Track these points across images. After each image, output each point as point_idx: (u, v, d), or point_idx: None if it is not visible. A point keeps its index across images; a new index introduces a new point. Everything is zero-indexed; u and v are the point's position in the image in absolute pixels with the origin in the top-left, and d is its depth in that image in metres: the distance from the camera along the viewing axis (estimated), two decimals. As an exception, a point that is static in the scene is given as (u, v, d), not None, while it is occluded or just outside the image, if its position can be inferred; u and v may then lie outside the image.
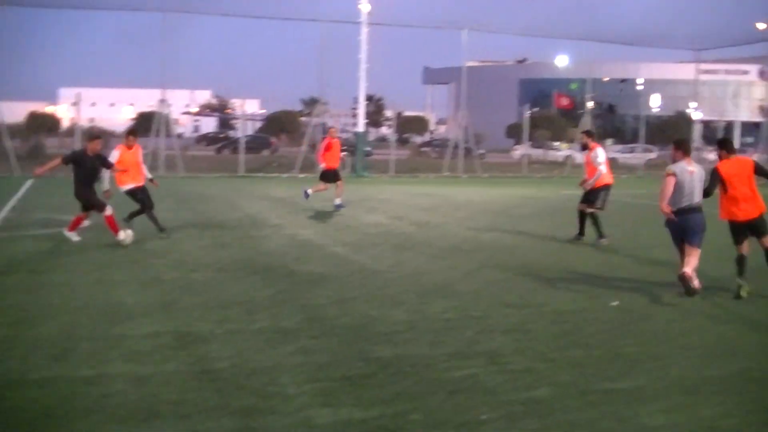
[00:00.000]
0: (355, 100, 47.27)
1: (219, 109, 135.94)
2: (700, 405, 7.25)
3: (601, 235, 17.46)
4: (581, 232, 17.92)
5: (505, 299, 11.50)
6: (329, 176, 23.79)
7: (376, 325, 9.79)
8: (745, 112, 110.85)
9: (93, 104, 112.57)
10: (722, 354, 8.99)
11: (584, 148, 18.49)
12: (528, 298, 11.62)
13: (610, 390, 7.59)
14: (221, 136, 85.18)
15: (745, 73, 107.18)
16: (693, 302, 11.65)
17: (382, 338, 9.19)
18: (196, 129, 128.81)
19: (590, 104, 56.08)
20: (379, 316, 10.30)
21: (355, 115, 46.99)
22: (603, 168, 17.80)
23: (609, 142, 77.00)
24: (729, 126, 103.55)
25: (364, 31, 43.34)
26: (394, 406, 6.97)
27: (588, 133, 18.85)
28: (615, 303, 11.43)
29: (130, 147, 17.32)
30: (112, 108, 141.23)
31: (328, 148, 23.80)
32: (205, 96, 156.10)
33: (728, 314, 11.03)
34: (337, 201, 23.64)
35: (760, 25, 58.40)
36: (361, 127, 45.51)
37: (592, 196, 17.88)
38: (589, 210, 17.82)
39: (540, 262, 14.74)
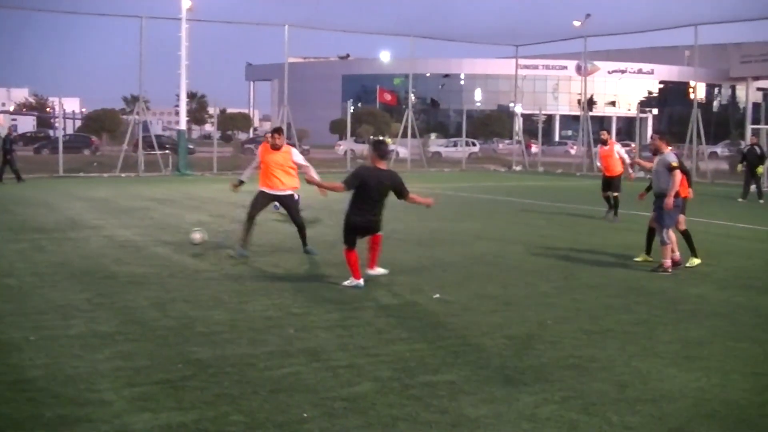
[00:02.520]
0: (177, 98, 46.63)
1: (37, 108, 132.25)
2: (520, 393, 7.37)
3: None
4: (615, 213, 22.10)
5: (327, 296, 11.49)
6: None
7: (197, 326, 9.64)
8: (565, 106, 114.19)
9: None
10: (541, 343, 9.18)
11: (604, 143, 23.11)
12: (350, 294, 11.65)
13: (432, 382, 7.63)
14: (40, 135, 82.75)
15: (564, 68, 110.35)
16: (513, 293, 11.92)
17: (203, 339, 9.05)
18: (15, 128, 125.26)
19: (413, 99, 56.74)
20: (199, 316, 10.14)
21: (177, 113, 46.32)
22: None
23: (432, 136, 78.18)
24: (549, 119, 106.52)
25: (185, 27, 42.76)
26: (215, 407, 6.86)
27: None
28: (437, 296, 11.56)
29: None
30: None
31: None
32: (22, 94, 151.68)
33: (551, 302, 11.32)
34: None
35: (576, 22, 60.20)
36: (182, 124, 44.95)
37: (616, 182, 22.30)
38: (615, 194, 22.09)
39: (362, 257, 14.75)
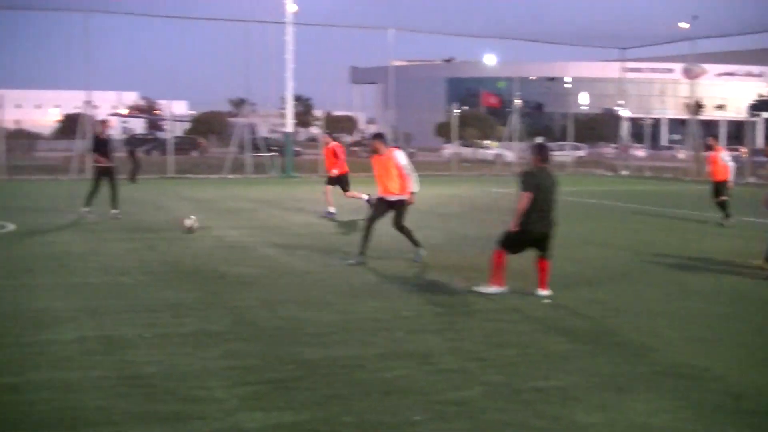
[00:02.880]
0: (283, 101, 47.04)
1: (147, 111, 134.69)
2: (632, 402, 7.26)
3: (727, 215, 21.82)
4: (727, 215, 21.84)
5: (436, 299, 11.48)
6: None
7: (307, 327, 9.70)
8: (672, 110, 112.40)
9: (18, 106, 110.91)
10: (653, 351, 9.04)
11: (709, 149, 23.12)
12: (459, 298, 11.63)
13: (542, 388, 7.57)
14: (149, 137, 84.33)
15: (670, 71, 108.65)
16: (623, 299, 11.77)
17: (313, 340, 9.11)
18: (125, 131, 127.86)
19: (518, 102, 56.42)
20: (309, 317, 10.21)
21: (283, 116, 46.74)
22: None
23: (538, 140, 77.61)
24: (656, 123, 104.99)
25: (290, 31, 43.16)
26: (326, 408, 6.90)
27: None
28: (547, 300, 11.47)
29: None
30: (38, 110, 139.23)
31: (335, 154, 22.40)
32: (132, 97, 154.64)
33: (660, 310, 11.14)
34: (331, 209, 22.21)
35: (683, 25, 59.23)
36: (289, 127, 45.36)
37: (721, 187, 22.13)
38: (723, 198, 22.08)
39: (470, 261, 14.74)
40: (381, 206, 15.12)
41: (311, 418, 6.66)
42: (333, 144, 22.57)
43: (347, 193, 22.01)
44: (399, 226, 15.02)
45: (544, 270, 12.02)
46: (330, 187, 22.19)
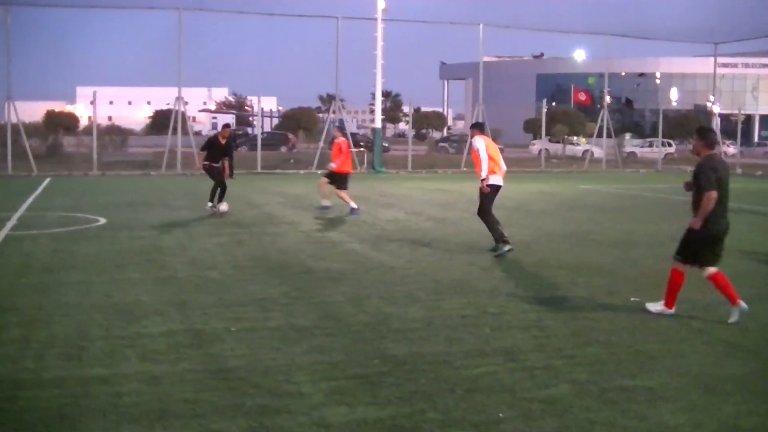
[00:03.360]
0: (372, 97, 47.16)
1: (236, 107, 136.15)
2: (721, 403, 7.13)
3: None
4: None
5: (523, 296, 11.41)
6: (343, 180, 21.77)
7: (392, 323, 9.71)
8: (765, 106, 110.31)
9: (111, 102, 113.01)
10: (743, 351, 8.87)
11: None
12: (545, 295, 11.54)
13: (629, 387, 7.48)
14: (239, 133, 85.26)
15: (765, 66, 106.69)
16: (712, 298, 11.53)
17: (399, 336, 9.11)
18: (214, 126, 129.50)
19: (608, 99, 55.84)
20: (395, 313, 10.22)
21: (372, 112, 46.85)
22: None
23: (627, 136, 76.76)
24: (748, 119, 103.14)
25: (380, 27, 43.22)
26: (411, 404, 6.89)
27: None
28: (635, 298, 11.31)
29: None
30: (129, 106, 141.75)
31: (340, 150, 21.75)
32: (222, 94, 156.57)
33: (752, 308, 10.91)
34: (326, 202, 21.96)
35: (779, 18, 58.09)
36: (377, 123, 45.46)
37: None
38: None
39: (557, 258, 14.61)
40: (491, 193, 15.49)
41: (395, 414, 6.66)
42: (340, 140, 22.04)
43: (338, 192, 21.65)
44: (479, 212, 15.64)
45: (723, 280, 10.58)
46: (325, 180, 22.03)
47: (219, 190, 21.09)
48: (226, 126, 23.33)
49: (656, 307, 10.56)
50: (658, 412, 6.86)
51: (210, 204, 21.15)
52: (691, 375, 7.93)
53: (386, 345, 8.72)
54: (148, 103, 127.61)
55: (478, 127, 16.15)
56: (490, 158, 15.20)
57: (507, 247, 14.92)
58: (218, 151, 21.39)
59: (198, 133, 70.36)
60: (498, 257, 14.62)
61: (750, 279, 13.28)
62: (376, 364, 8.03)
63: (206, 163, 21.35)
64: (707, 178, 10.28)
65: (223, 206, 20.76)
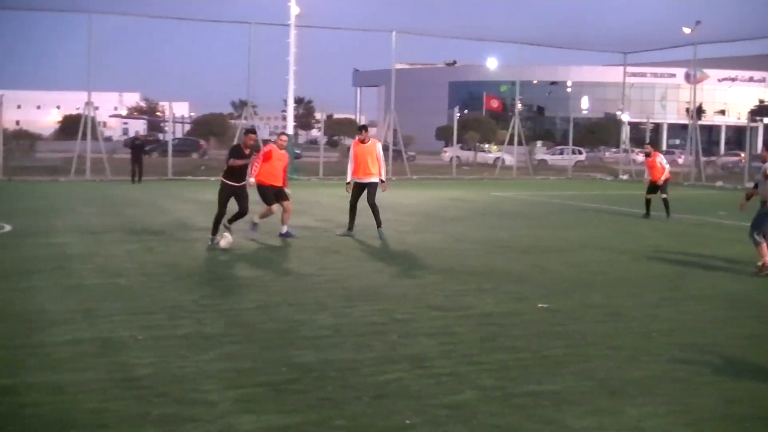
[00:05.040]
0: (285, 103, 47.00)
1: (148, 112, 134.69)
2: (624, 406, 7.26)
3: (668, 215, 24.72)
4: (668, 214, 24.79)
5: (431, 302, 11.46)
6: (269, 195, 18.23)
7: (301, 330, 9.70)
8: (673, 115, 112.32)
9: (18, 107, 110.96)
10: (647, 355, 9.04)
11: (647, 155, 26.33)
12: (454, 301, 11.60)
13: (535, 392, 7.56)
14: (150, 139, 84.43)
15: (672, 76, 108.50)
16: (619, 303, 11.76)
17: (307, 343, 9.10)
18: (125, 132, 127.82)
19: (519, 106, 56.44)
20: (304, 320, 10.20)
21: (284, 118, 46.69)
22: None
23: (539, 144, 77.63)
24: (657, 128, 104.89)
25: (293, 33, 43.13)
26: (318, 411, 6.89)
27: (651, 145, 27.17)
28: (543, 305, 11.45)
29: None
30: (38, 110, 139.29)
31: (267, 157, 18.05)
32: (133, 99, 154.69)
33: (655, 314, 11.14)
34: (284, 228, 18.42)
35: (686, 29, 59.19)
36: (290, 129, 45.31)
37: (663, 187, 25.30)
38: (664, 196, 25.09)
39: (467, 264, 14.73)
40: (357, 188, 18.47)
41: (303, 422, 6.65)
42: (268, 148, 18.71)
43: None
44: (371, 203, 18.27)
45: None
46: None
47: (235, 214, 16.89)
48: (251, 132, 17.57)
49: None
50: (563, 416, 6.95)
51: (213, 237, 16.74)
52: (596, 379, 8.06)
53: (294, 352, 8.70)
54: (58, 107, 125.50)
55: (357, 131, 19.18)
56: (354, 162, 18.44)
57: (345, 232, 18.49)
58: (240, 166, 16.82)
59: (108, 139, 69.45)
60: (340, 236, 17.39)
61: (655, 283, 13.57)
62: (284, 371, 8.01)
63: (226, 181, 16.85)
64: None
65: (225, 240, 16.21)
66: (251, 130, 17.78)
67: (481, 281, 13.17)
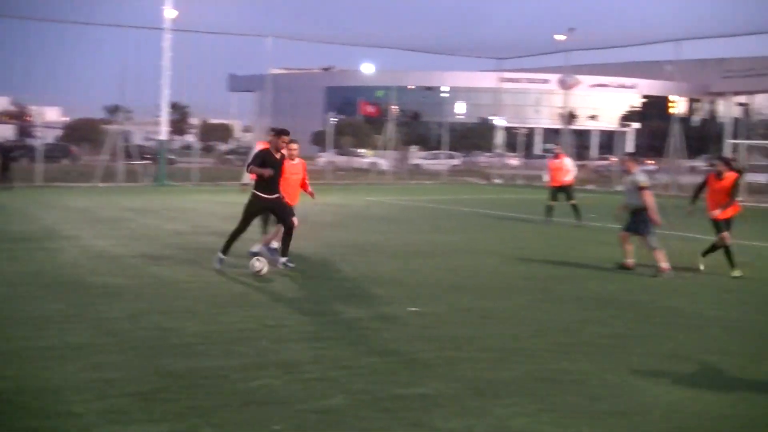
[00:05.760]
0: (159, 108, 46.46)
1: (17, 116, 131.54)
2: (492, 406, 7.39)
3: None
4: (578, 217, 24.39)
5: (302, 307, 11.48)
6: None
7: (171, 338, 9.58)
8: (547, 120, 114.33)
9: None
10: (515, 355, 9.20)
11: (555, 157, 25.59)
12: (325, 306, 11.63)
13: (404, 396, 7.63)
14: (19, 144, 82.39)
15: (546, 81, 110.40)
16: (489, 306, 11.94)
17: (176, 351, 8.99)
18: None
19: (395, 111, 56.79)
20: (173, 328, 10.07)
21: (158, 123, 46.14)
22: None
23: (414, 148, 78.25)
24: (531, 133, 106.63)
25: (168, 37, 42.68)
26: (186, 420, 6.82)
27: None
28: (413, 308, 11.54)
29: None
30: None
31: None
32: (2, 103, 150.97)
33: (524, 316, 11.34)
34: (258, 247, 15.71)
35: (559, 37, 60.32)
36: (163, 135, 44.82)
37: (569, 191, 24.90)
38: (573, 202, 24.73)
39: (338, 270, 14.75)
40: None
41: (170, 430, 6.58)
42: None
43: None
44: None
45: None
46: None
47: (283, 235, 14.83)
48: (282, 133, 14.70)
49: None
50: (431, 418, 7.03)
51: (220, 256, 14.73)
52: (464, 380, 8.17)
53: (163, 361, 8.60)
54: None
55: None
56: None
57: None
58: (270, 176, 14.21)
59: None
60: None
61: (524, 285, 13.83)
62: (152, 380, 7.90)
63: (258, 194, 14.37)
64: None
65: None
66: (284, 131, 14.79)
67: (352, 286, 13.22)
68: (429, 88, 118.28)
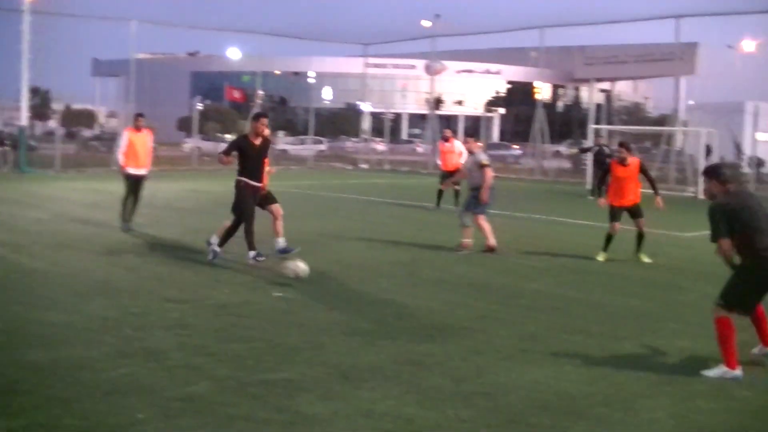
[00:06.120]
0: (18, 93, 45.20)
1: None
2: (357, 390, 7.47)
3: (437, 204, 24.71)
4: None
5: (167, 294, 11.35)
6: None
7: (31, 328, 9.38)
8: (413, 105, 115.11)
9: None
10: (379, 339, 9.29)
11: (446, 140, 25.34)
12: (190, 293, 11.54)
13: (269, 381, 7.64)
14: None
15: (413, 67, 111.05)
16: (354, 290, 12.00)
17: (37, 341, 8.80)
18: None
19: (260, 95, 56.46)
20: (34, 318, 9.86)
21: (18, 109, 44.91)
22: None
23: (281, 134, 77.95)
24: (397, 118, 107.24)
25: (27, 20, 41.55)
26: (46, 412, 6.68)
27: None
28: (279, 294, 11.54)
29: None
30: None
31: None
32: None
33: (392, 298, 11.45)
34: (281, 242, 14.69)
35: (425, 23, 60.76)
36: (24, 120, 43.69)
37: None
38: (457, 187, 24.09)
39: (204, 255, 14.59)
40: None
41: (29, 423, 6.45)
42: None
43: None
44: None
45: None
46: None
47: (232, 227, 14.43)
48: (260, 116, 14.50)
49: (717, 372, 8.38)
50: (296, 403, 7.06)
51: (253, 253, 13.92)
52: (330, 365, 8.21)
53: (24, 352, 8.39)
54: None
55: (134, 119, 19.00)
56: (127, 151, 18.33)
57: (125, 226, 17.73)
58: (253, 161, 14.14)
59: None
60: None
61: (391, 269, 14.00)
62: (11, 372, 7.71)
63: (246, 180, 14.15)
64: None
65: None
66: (261, 114, 14.80)
67: (217, 272, 13.15)
68: (296, 74, 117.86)
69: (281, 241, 14.46)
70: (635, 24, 48.05)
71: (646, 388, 7.89)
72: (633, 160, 15.65)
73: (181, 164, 47.64)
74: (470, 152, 16.69)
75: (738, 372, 8.29)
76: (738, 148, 39.61)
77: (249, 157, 13.94)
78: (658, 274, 14.49)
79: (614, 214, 15.60)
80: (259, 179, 14.15)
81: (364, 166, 53.73)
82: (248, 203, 14.01)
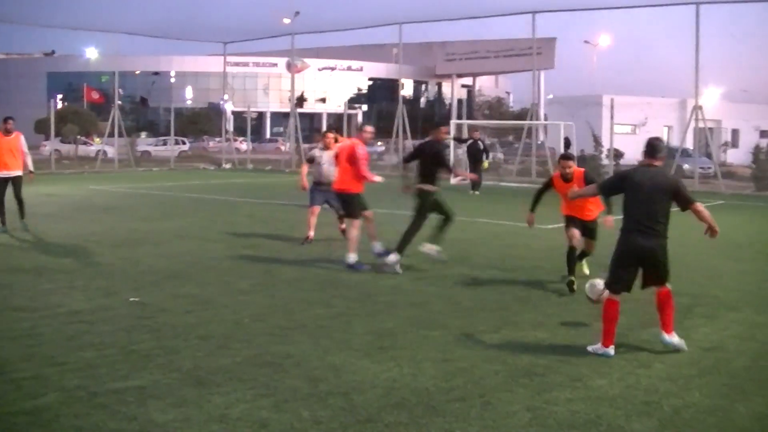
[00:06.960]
0: None
1: None
2: (210, 395, 7.35)
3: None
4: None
5: (16, 303, 11.00)
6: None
7: None
8: (276, 103, 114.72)
9: None
10: (236, 342, 9.18)
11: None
12: (41, 301, 11.19)
13: (120, 389, 7.48)
14: None
15: (274, 65, 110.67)
16: (211, 292, 11.88)
17: None
18: None
19: (120, 96, 55.53)
20: None
21: None
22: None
23: (142, 135, 76.98)
24: (260, 117, 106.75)
25: None
26: None
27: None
28: (134, 298, 11.33)
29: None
30: None
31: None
32: None
33: (249, 299, 11.35)
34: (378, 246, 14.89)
35: (286, 20, 60.57)
36: None
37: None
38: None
39: (57, 261, 14.24)
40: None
41: None
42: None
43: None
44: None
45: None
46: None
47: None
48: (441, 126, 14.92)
49: (597, 348, 9.00)
50: (147, 411, 6.93)
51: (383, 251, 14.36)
52: (183, 370, 8.09)
53: None
54: None
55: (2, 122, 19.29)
56: None
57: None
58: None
59: None
60: None
61: (248, 269, 13.91)
62: None
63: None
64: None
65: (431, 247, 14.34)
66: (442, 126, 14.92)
67: (71, 278, 12.81)
68: (156, 73, 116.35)
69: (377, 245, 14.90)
70: (495, 19, 48.71)
71: (504, 382, 7.96)
72: (578, 171, 12.90)
73: (39, 168, 46.47)
74: (327, 148, 16.74)
75: (609, 350, 8.91)
76: (596, 141, 40.42)
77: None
78: (518, 268, 14.67)
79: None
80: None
81: (228, 165, 53.29)
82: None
